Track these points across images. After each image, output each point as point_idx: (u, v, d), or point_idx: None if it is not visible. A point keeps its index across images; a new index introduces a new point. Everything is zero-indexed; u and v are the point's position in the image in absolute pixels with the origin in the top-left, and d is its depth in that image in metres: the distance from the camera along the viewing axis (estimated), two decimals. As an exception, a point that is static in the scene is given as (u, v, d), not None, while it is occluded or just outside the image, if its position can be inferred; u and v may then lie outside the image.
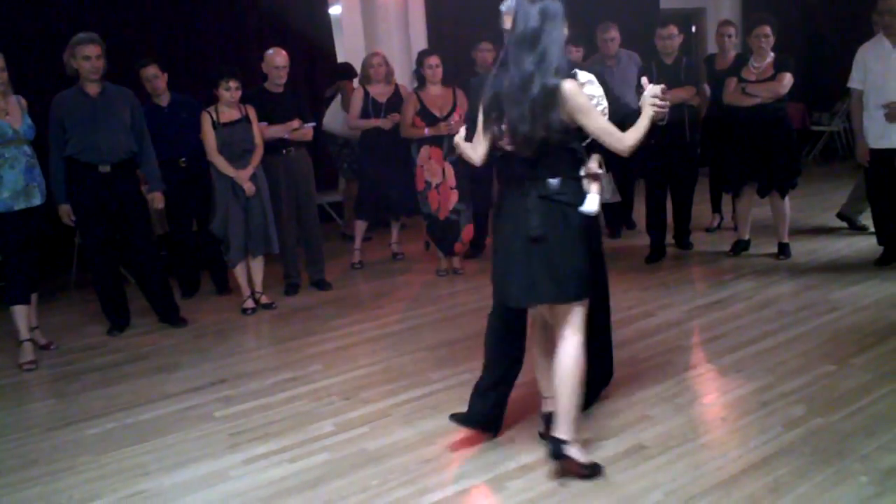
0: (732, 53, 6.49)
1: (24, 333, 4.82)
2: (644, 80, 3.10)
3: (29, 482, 3.37)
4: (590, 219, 3.04)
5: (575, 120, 2.90)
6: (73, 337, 5.33)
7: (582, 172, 3.03)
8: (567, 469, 3.04)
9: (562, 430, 3.01)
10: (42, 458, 3.58)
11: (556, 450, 3.00)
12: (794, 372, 3.91)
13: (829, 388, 3.71)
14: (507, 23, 3.13)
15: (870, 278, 5.34)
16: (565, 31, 2.96)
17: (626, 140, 2.93)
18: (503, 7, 3.28)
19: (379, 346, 4.81)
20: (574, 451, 3.02)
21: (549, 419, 3.21)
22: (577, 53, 6.15)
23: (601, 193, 3.06)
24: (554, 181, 2.97)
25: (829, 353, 4.13)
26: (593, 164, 3.05)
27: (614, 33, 6.88)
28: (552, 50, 2.89)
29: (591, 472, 3.06)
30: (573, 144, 3.01)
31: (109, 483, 3.31)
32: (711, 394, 3.81)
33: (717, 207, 7.14)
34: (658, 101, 2.95)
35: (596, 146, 3.05)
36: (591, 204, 3.00)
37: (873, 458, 3.05)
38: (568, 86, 2.87)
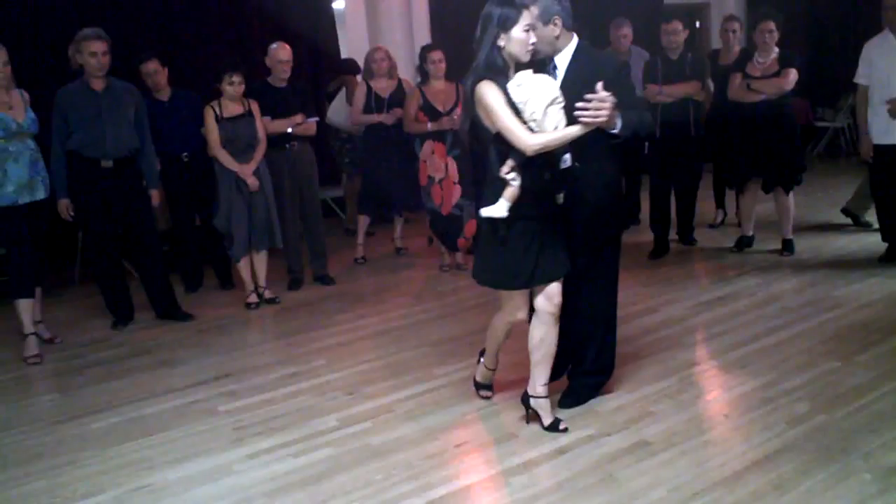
0: (737, 49, 6.48)
1: (29, 327, 4.83)
2: (599, 85, 3.01)
3: (33, 476, 3.38)
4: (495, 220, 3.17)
5: (483, 118, 3.10)
6: (77, 331, 5.34)
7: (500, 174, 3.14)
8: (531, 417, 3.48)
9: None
10: (47, 452, 3.59)
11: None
12: (797, 369, 3.91)
13: (833, 385, 3.71)
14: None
15: (874, 275, 5.33)
16: (509, 32, 3.08)
17: (530, 140, 3.01)
18: None
19: (382, 341, 4.82)
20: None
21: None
22: None
23: (513, 201, 3.12)
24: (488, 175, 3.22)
25: (832, 350, 4.13)
26: (504, 168, 3.10)
27: (627, 30, 6.89)
28: (482, 51, 3.11)
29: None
30: (490, 145, 3.17)
31: (114, 477, 3.32)
32: (715, 390, 3.81)
33: (720, 203, 7.14)
34: (587, 111, 2.97)
35: (513, 153, 3.09)
36: (495, 209, 3.12)
37: (877, 456, 3.05)
38: (479, 86, 3.06)
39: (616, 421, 3.49)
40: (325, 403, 3.92)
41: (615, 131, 3.16)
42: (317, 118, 6.01)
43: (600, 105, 2.98)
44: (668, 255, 6.28)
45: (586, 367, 3.68)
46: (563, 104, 3.09)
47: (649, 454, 3.19)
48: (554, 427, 3.43)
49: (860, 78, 5.49)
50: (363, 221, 6.77)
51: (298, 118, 5.73)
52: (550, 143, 3.04)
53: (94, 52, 4.84)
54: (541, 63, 3.30)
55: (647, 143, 6.59)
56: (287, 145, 5.77)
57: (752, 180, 6.03)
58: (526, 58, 3.15)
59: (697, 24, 11.45)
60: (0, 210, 4.63)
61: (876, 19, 5.93)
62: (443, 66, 5.90)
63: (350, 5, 8.96)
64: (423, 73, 5.99)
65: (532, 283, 3.30)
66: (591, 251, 3.50)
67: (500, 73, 3.10)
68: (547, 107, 3.06)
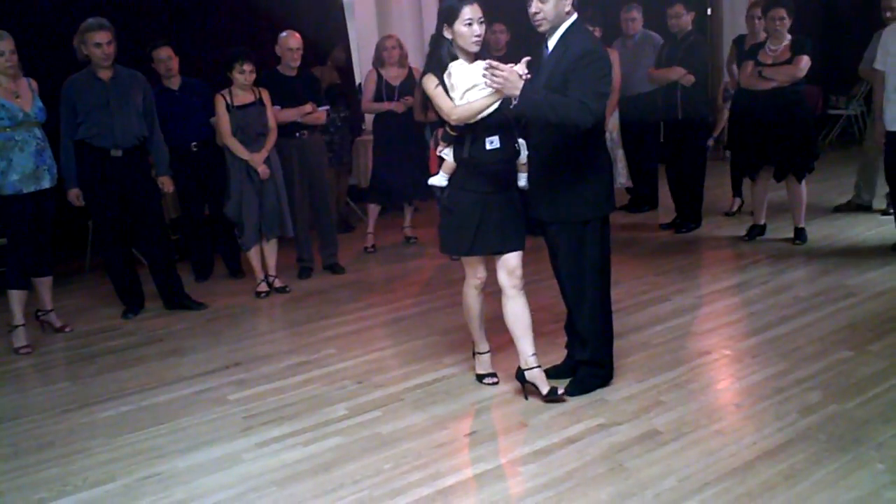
0: (764, 35, 6.41)
1: (19, 318, 4.82)
2: (524, 60, 3.22)
3: (44, 464, 3.39)
4: (445, 189, 3.55)
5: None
6: (88, 319, 5.35)
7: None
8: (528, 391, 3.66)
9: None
10: (57, 441, 3.61)
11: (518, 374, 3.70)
12: (809, 358, 3.89)
13: (846, 374, 3.69)
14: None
15: (887, 264, 5.29)
16: (453, 27, 3.35)
17: (453, 112, 3.34)
18: None
19: (392, 330, 4.81)
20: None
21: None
22: (596, 33, 6.13)
23: (450, 172, 3.51)
24: None
25: (845, 339, 4.10)
26: (439, 147, 3.53)
27: (635, 14, 7.00)
28: (431, 45, 3.47)
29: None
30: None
31: (124, 465, 3.33)
32: (726, 379, 3.79)
33: (737, 191, 7.08)
34: (490, 76, 3.16)
35: (445, 133, 3.49)
36: (436, 178, 3.56)
37: (889, 446, 3.03)
38: (423, 78, 3.45)
39: (626, 410, 3.48)
40: (335, 392, 3.92)
41: (514, 103, 3.22)
42: (327, 107, 6.00)
43: (493, 72, 3.15)
44: (678, 245, 6.24)
45: (585, 357, 3.67)
46: (483, 89, 3.29)
47: (659, 444, 3.18)
48: (553, 394, 3.56)
49: (878, 63, 5.43)
50: (373, 210, 6.75)
51: (308, 107, 5.72)
52: (466, 112, 3.32)
53: (98, 43, 4.83)
54: (477, 55, 3.42)
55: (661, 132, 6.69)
56: (297, 134, 5.76)
57: (764, 168, 5.99)
58: (474, 48, 3.37)
59: (709, 10, 11.35)
60: (4, 199, 4.63)
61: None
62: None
63: (360, -7, 8.90)
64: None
65: (472, 252, 3.56)
66: (567, 237, 3.53)
67: (441, 63, 3.39)
68: (465, 91, 3.33)
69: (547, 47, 3.43)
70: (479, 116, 3.33)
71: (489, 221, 3.49)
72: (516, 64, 3.19)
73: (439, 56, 3.41)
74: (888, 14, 5.87)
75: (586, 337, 3.64)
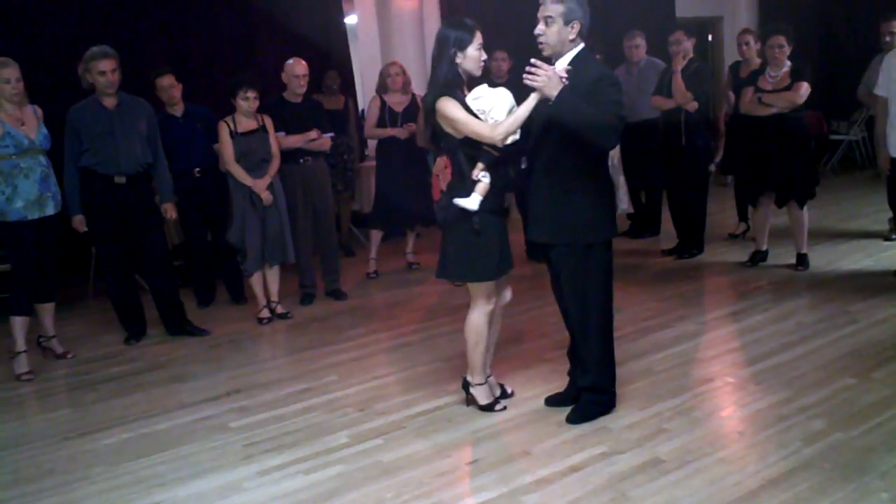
0: (757, 61, 6.46)
1: (22, 345, 4.81)
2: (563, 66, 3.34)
3: (45, 492, 3.38)
4: (470, 213, 3.50)
5: (445, 128, 3.46)
6: (90, 346, 5.35)
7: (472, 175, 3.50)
8: (469, 400, 3.83)
9: (468, 372, 3.81)
10: (58, 468, 3.59)
11: (463, 384, 3.85)
12: (813, 385, 3.88)
13: (849, 402, 3.67)
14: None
15: (890, 290, 5.28)
16: (465, 51, 3.43)
17: (495, 132, 3.34)
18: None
19: (394, 356, 4.81)
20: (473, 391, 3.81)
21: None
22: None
23: (484, 195, 3.48)
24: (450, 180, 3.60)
25: (848, 366, 4.09)
26: (475, 171, 3.48)
27: (639, 41, 7.04)
28: (439, 73, 3.46)
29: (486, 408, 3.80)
30: (457, 150, 3.52)
31: (125, 493, 3.32)
32: (729, 407, 3.77)
33: (743, 216, 7.09)
34: (533, 69, 3.20)
35: (482, 155, 3.48)
36: (468, 201, 3.47)
37: (894, 475, 3.02)
38: (440, 101, 3.42)
39: (629, 438, 3.46)
40: (337, 420, 3.90)
41: (551, 103, 3.25)
42: (331, 133, 6.03)
43: (537, 70, 3.20)
44: (681, 271, 6.24)
45: (588, 384, 3.66)
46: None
47: (662, 472, 3.16)
48: (490, 408, 3.79)
49: (880, 89, 5.44)
50: (376, 236, 6.76)
51: (313, 134, 5.75)
52: (512, 126, 3.34)
53: (102, 71, 4.86)
54: (477, 80, 3.57)
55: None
56: (301, 160, 5.79)
57: (765, 194, 6.00)
58: (478, 72, 3.52)
59: (710, 37, 11.43)
60: (8, 225, 4.65)
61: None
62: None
63: (362, 19, 8.98)
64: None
65: (500, 273, 3.64)
66: (570, 260, 3.53)
67: (457, 87, 3.47)
68: (507, 113, 3.42)
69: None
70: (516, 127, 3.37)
71: (505, 242, 3.64)
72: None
73: (453, 79, 3.46)
74: (888, 39, 5.92)
75: (589, 363, 3.63)
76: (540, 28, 3.40)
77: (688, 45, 6.28)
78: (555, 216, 3.52)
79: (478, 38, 3.45)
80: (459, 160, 3.54)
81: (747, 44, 6.63)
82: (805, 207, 5.91)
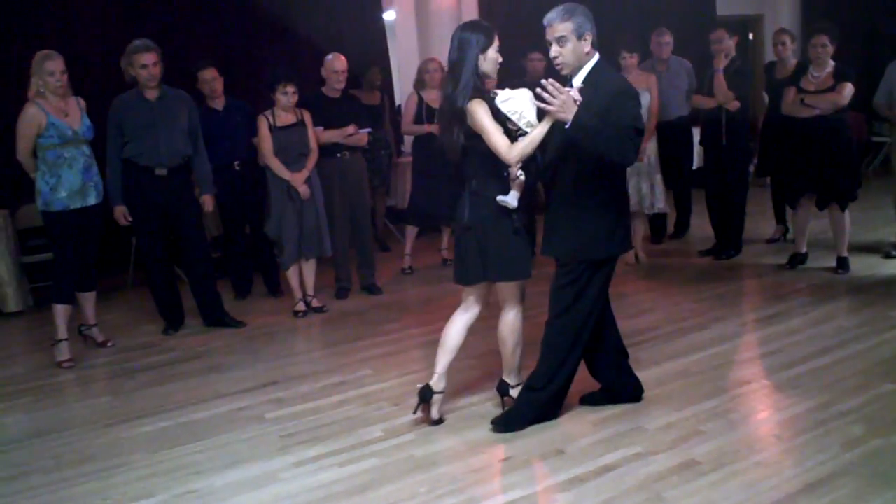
0: (793, 61, 6.38)
1: (63, 333, 4.90)
2: (576, 83, 3.33)
3: (85, 477, 3.45)
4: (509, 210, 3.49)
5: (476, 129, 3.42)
6: (129, 335, 5.44)
7: (506, 173, 3.50)
8: (507, 403, 3.75)
9: (505, 375, 3.78)
10: (98, 454, 3.66)
11: (500, 388, 3.80)
12: (852, 390, 3.82)
13: (889, 407, 3.61)
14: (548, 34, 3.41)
15: (932, 295, 5.19)
16: (486, 53, 3.43)
17: (511, 154, 3.34)
18: (545, 21, 3.42)
19: (428, 352, 4.78)
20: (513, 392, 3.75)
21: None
22: (631, 60, 6.13)
23: (521, 192, 3.51)
24: (475, 180, 3.53)
25: (888, 371, 4.02)
26: (513, 170, 3.47)
27: (668, 38, 6.96)
28: (465, 76, 3.42)
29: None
30: (489, 150, 3.43)
31: (162, 481, 3.37)
32: (766, 410, 3.73)
33: (780, 218, 7.00)
34: (547, 100, 3.16)
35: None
36: (509, 198, 3.47)
37: (935, 483, 2.97)
38: (471, 104, 3.39)
39: (664, 439, 3.44)
40: (371, 413, 3.93)
41: (567, 126, 3.20)
42: (369, 129, 6.06)
43: (553, 92, 3.15)
44: (718, 272, 6.18)
45: (537, 384, 3.62)
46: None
47: (698, 474, 3.14)
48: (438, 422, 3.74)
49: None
50: (411, 232, 6.79)
51: (350, 129, 5.78)
52: (526, 150, 3.34)
53: (144, 65, 4.93)
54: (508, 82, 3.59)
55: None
56: (339, 155, 5.82)
57: (806, 196, 5.92)
58: (494, 74, 3.51)
59: (751, 36, 11.28)
60: (52, 214, 4.74)
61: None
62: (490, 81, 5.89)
63: (400, 16, 9.01)
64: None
65: (531, 273, 3.63)
66: (560, 274, 3.53)
67: (482, 89, 3.47)
68: (532, 118, 3.40)
69: (571, 86, 3.39)
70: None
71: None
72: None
73: (478, 82, 3.46)
74: None
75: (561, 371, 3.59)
76: (555, 50, 3.37)
77: (730, 43, 6.22)
78: (550, 229, 3.54)
79: (496, 41, 3.47)
80: (489, 160, 3.46)
81: (783, 43, 6.51)
82: (847, 210, 5.82)
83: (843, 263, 5.90)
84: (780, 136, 6.07)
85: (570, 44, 3.34)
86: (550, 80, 3.17)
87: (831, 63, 5.65)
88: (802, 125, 5.70)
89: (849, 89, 5.53)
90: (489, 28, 3.48)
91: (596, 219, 3.44)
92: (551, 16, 3.35)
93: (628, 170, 3.98)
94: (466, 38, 3.44)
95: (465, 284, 3.69)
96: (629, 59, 6.11)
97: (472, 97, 3.41)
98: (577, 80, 3.40)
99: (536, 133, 3.32)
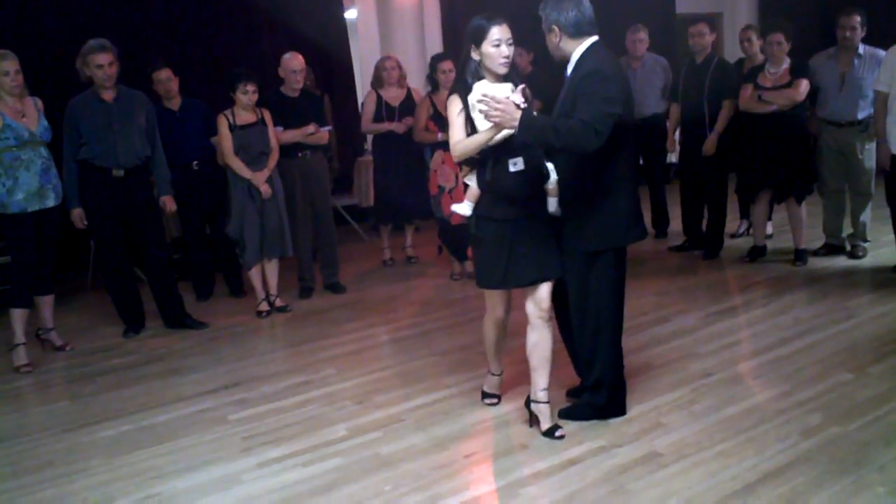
0: (761, 57, 6.39)
1: (21, 337, 4.81)
2: (520, 87, 3.17)
3: (44, 483, 3.38)
4: (471, 218, 3.44)
5: None
6: (88, 338, 5.35)
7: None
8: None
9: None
10: (57, 460, 3.59)
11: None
12: (810, 380, 3.88)
13: (847, 396, 3.68)
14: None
15: (888, 285, 5.29)
16: (481, 48, 3.25)
17: (455, 149, 3.30)
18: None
19: (392, 350, 4.81)
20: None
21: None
22: None
23: (474, 203, 3.41)
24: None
25: (845, 361, 4.10)
26: (462, 173, 3.46)
27: (643, 35, 7.01)
28: (458, 71, 3.40)
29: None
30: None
31: (123, 485, 3.32)
32: (727, 401, 3.77)
33: (745, 213, 7.06)
34: (485, 104, 3.08)
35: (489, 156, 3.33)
36: (459, 206, 3.45)
37: (891, 469, 3.02)
38: (449, 98, 3.36)
39: (627, 432, 3.47)
40: (335, 413, 3.91)
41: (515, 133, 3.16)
42: (329, 127, 6.03)
43: (491, 104, 3.07)
44: (680, 266, 6.25)
45: (587, 383, 3.64)
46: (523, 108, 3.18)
47: (660, 466, 3.17)
48: (550, 433, 3.45)
49: (880, 85, 5.40)
50: (385, 230, 6.87)
51: (311, 128, 5.74)
52: (467, 149, 3.26)
53: (100, 65, 4.86)
54: (505, 77, 3.33)
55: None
56: (299, 154, 5.79)
57: (764, 190, 6.00)
58: (502, 70, 3.28)
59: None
60: (9, 217, 4.65)
61: (893, 28, 5.89)
62: (453, 75, 5.89)
63: (362, 14, 8.98)
64: (433, 82, 6.00)
65: (505, 286, 3.46)
66: (572, 267, 3.46)
67: (466, 85, 3.31)
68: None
69: (566, 71, 3.39)
70: (492, 144, 3.23)
71: (520, 251, 3.37)
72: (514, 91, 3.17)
73: (465, 78, 3.32)
74: (847, 34, 5.83)
75: (596, 369, 3.57)
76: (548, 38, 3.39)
77: (710, 38, 6.24)
78: (572, 224, 3.45)
79: (494, 34, 3.21)
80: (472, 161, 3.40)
81: (749, 40, 6.57)
82: (803, 203, 5.92)
83: (800, 256, 5.99)
84: (740, 131, 6.12)
85: (547, 38, 3.36)
86: (484, 93, 3.13)
87: (787, 59, 5.73)
88: (760, 121, 5.78)
89: (805, 85, 5.61)
90: (482, 23, 3.24)
91: (587, 208, 3.38)
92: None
93: None
94: (466, 30, 3.34)
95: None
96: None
97: (452, 91, 3.38)
98: (570, 65, 3.35)
99: (478, 137, 3.22)
